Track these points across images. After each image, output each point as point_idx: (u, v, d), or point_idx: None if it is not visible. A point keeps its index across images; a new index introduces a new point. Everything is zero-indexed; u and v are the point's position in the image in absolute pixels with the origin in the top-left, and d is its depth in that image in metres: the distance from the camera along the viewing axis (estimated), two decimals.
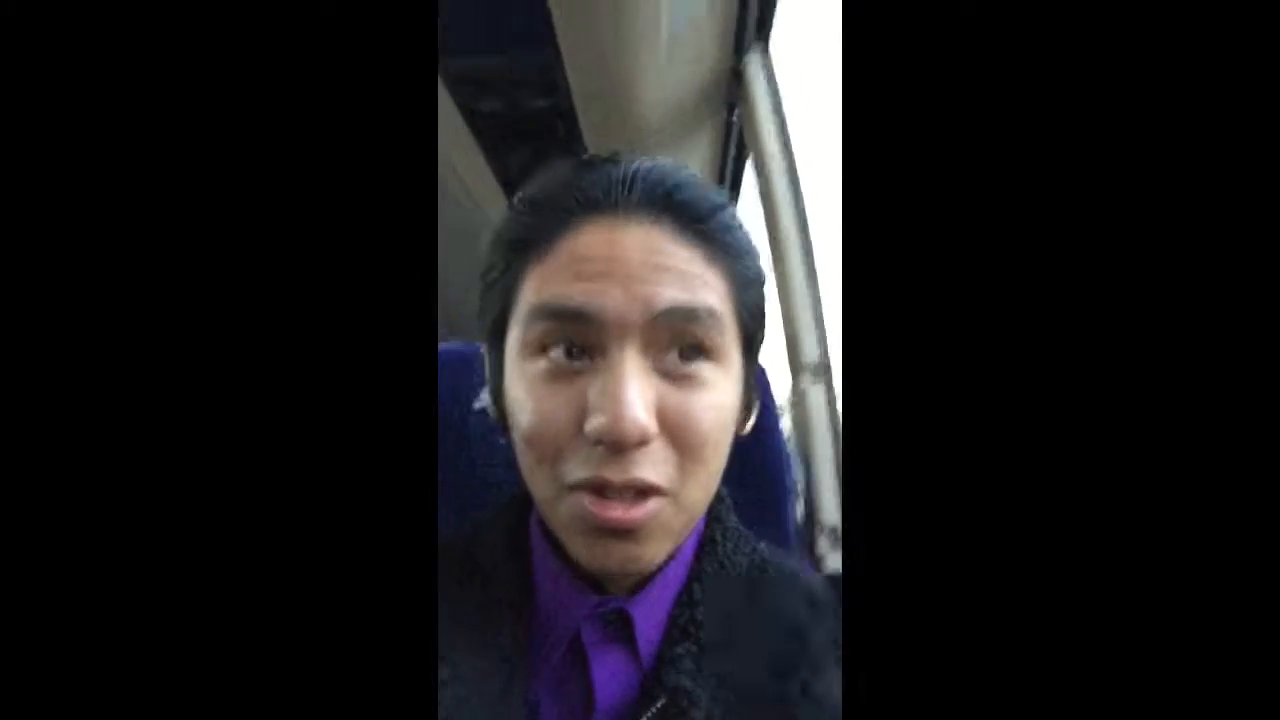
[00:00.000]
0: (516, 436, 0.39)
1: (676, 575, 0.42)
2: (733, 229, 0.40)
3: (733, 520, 0.46)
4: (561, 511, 0.38)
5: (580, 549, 0.38)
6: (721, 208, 0.39)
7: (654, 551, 0.38)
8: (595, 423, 0.35)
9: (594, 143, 1.57)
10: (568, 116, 1.46)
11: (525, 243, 0.39)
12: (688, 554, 0.43)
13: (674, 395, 0.36)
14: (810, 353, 1.27)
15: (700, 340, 0.37)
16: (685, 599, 0.41)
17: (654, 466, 0.36)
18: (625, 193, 0.38)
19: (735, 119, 1.65)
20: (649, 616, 0.41)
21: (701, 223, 0.38)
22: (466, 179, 1.69)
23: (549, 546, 0.42)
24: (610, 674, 0.40)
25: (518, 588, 0.42)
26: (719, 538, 0.44)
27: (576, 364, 0.36)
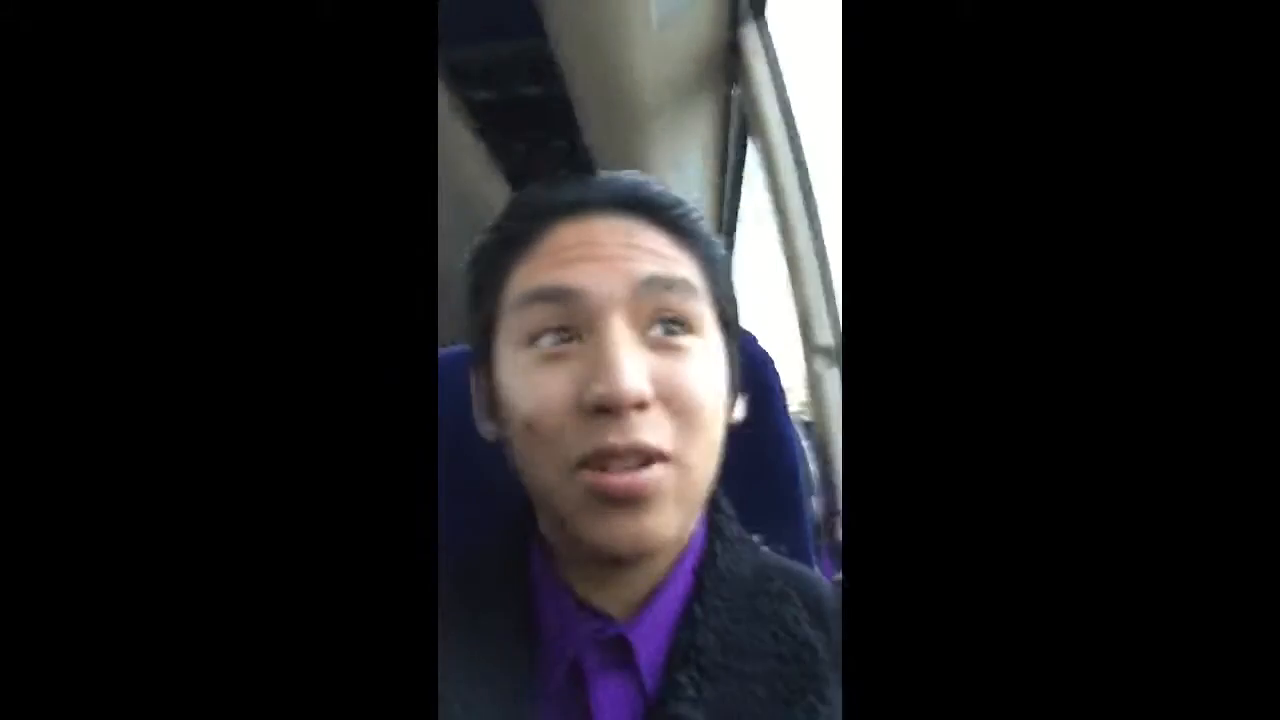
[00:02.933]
0: (516, 428, 0.39)
1: (677, 593, 0.41)
2: (695, 219, 0.42)
3: (733, 530, 0.45)
4: (568, 493, 0.37)
5: (588, 529, 0.37)
6: (682, 202, 0.42)
7: (663, 524, 0.37)
8: (593, 391, 0.35)
9: (591, 127, 1.55)
10: (563, 102, 1.44)
11: (504, 245, 0.41)
12: (687, 570, 0.42)
13: (663, 364, 0.37)
14: (823, 335, 1.25)
15: (682, 310, 0.38)
16: (686, 621, 0.40)
17: (655, 430, 0.36)
18: (594, 195, 0.41)
19: (735, 94, 1.62)
20: (650, 640, 0.40)
21: (666, 211, 0.41)
22: (467, 171, 1.68)
23: (548, 567, 0.42)
24: (612, 700, 0.39)
25: (519, 614, 0.41)
26: (719, 550, 0.43)
27: (567, 346, 0.37)
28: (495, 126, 1.52)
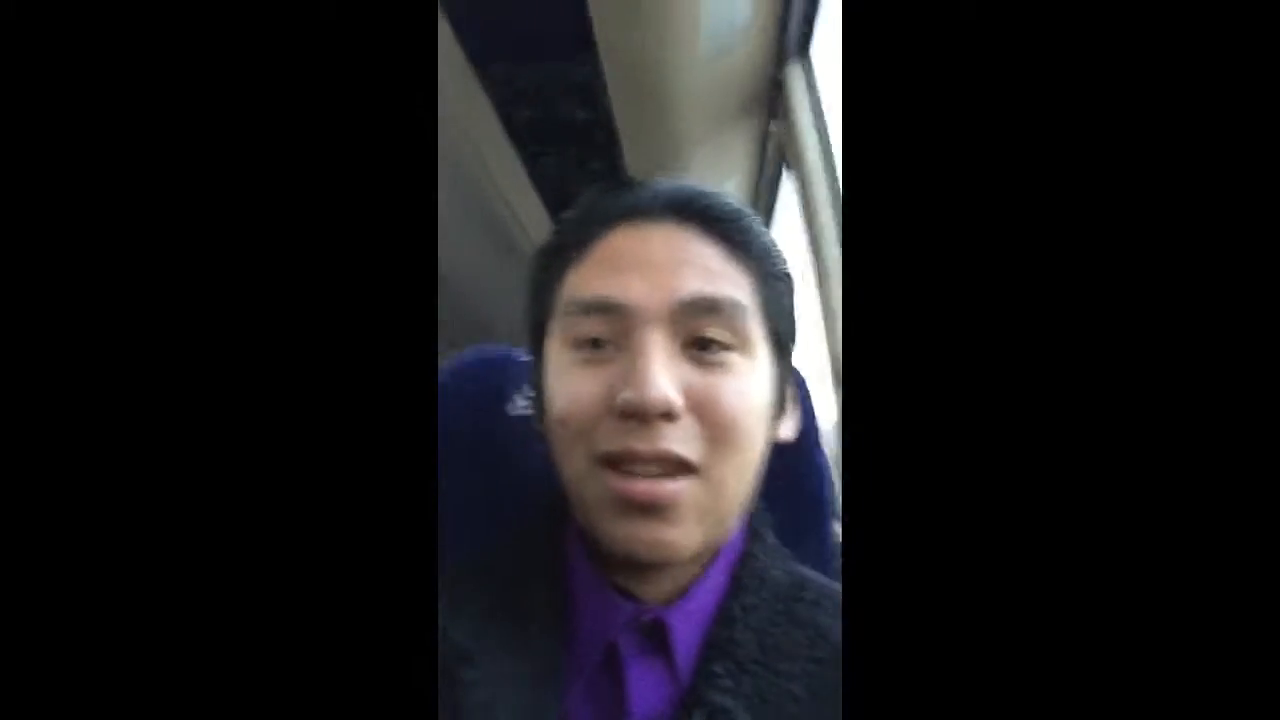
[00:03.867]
0: (552, 424, 0.40)
1: (714, 588, 0.41)
2: (755, 230, 0.41)
3: (772, 538, 0.45)
4: (591, 489, 0.38)
5: (609, 530, 0.38)
6: (743, 213, 0.42)
7: (684, 536, 0.37)
8: (623, 396, 0.36)
9: (632, 153, 1.57)
10: (606, 128, 1.45)
11: (563, 249, 0.42)
12: (725, 567, 0.42)
13: (700, 378, 0.37)
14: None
15: (725, 331, 0.38)
16: (724, 616, 0.40)
17: (682, 441, 0.36)
18: (651, 202, 0.41)
19: (774, 130, 1.63)
20: (686, 628, 0.40)
21: (723, 224, 0.40)
22: (504, 188, 1.69)
23: (586, 554, 0.42)
24: (646, 685, 0.39)
25: (552, 597, 0.41)
26: (759, 553, 0.43)
27: (606, 353, 0.38)
28: (535, 145, 1.54)
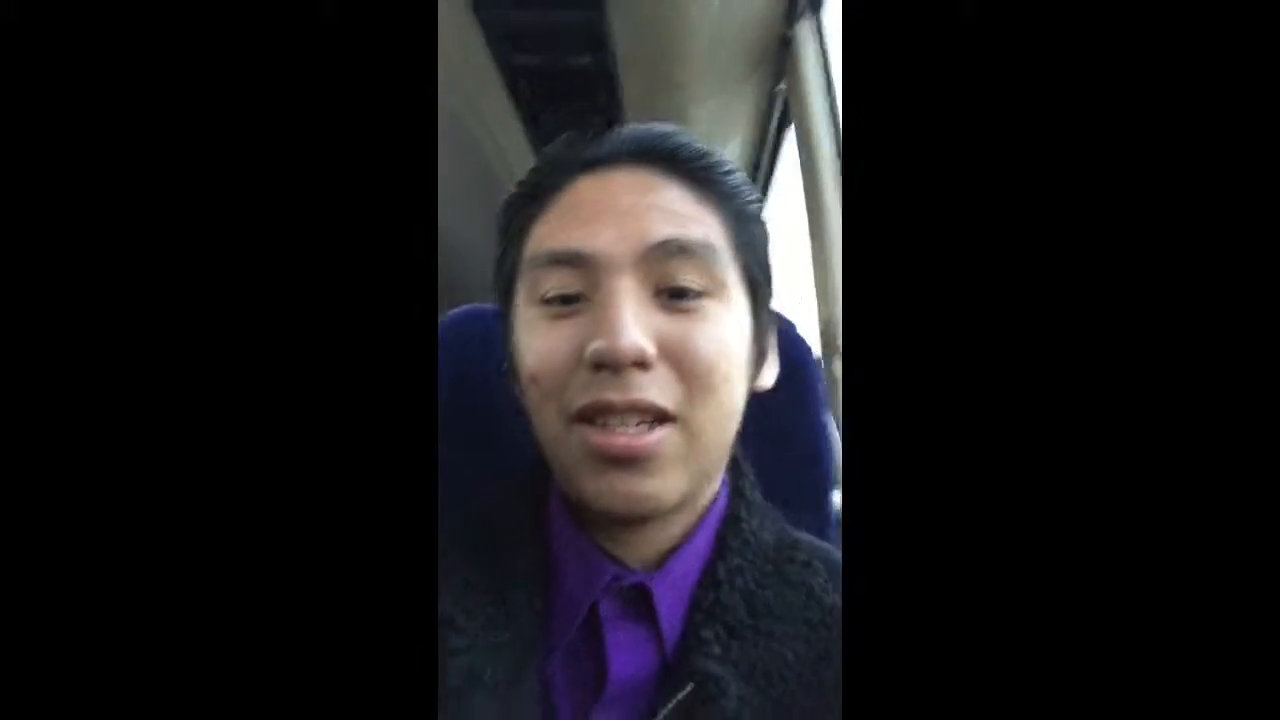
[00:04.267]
0: (524, 381, 0.39)
1: (698, 551, 0.40)
2: (724, 169, 0.40)
3: (757, 496, 0.44)
4: (569, 446, 0.37)
5: (587, 487, 0.37)
6: (709, 152, 0.40)
7: (664, 487, 0.36)
8: (593, 347, 0.35)
9: (633, 105, 1.53)
10: (608, 77, 1.42)
11: (528, 201, 0.41)
12: (709, 530, 0.41)
13: (673, 325, 0.36)
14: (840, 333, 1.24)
15: (697, 275, 0.37)
16: (709, 579, 0.39)
17: (658, 389, 0.35)
18: (615, 147, 0.40)
19: (779, 91, 1.60)
20: (670, 593, 0.39)
21: (690, 164, 0.39)
22: (502, 141, 1.66)
23: (569, 516, 0.41)
24: (627, 651, 0.38)
25: (534, 559, 0.41)
26: (743, 514, 0.42)
27: (575, 305, 0.37)
28: (536, 94, 1.50)
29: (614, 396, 0.35)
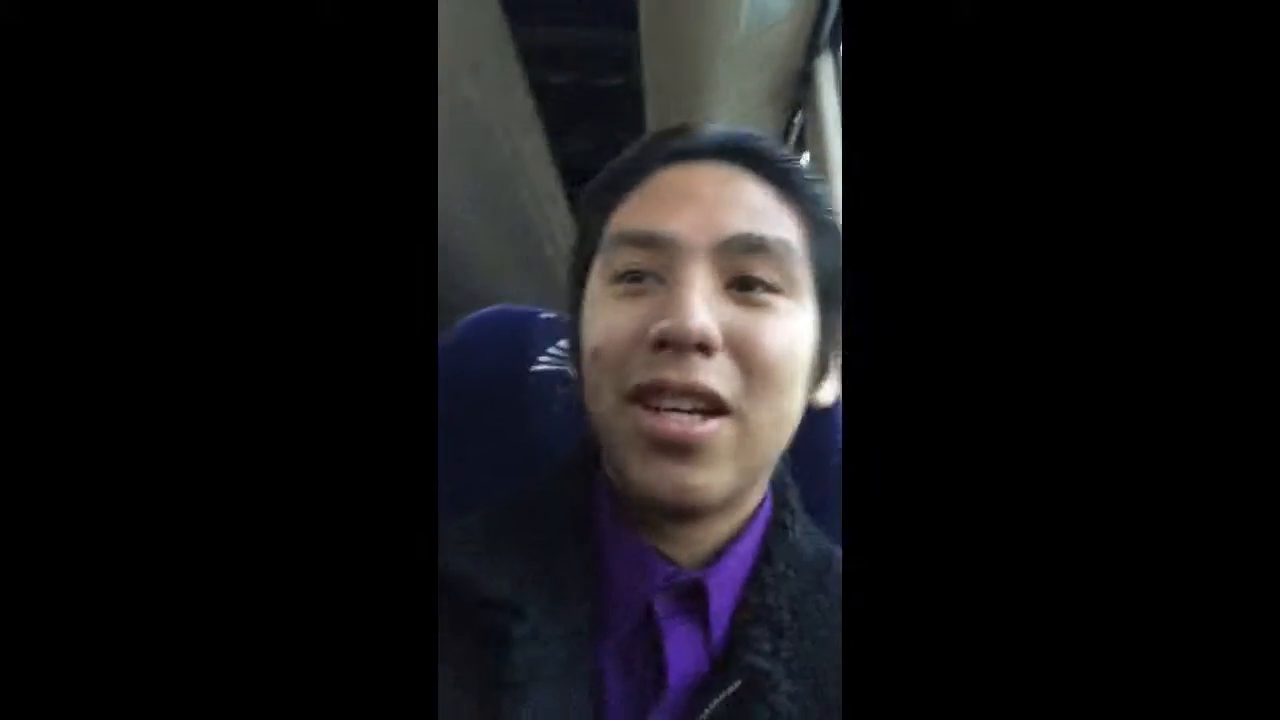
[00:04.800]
0: (585, 359, 0.39)
1: (746, 553, 0.41)
2: (806, 177, 0.41)
3: (800, 508, 0.44)
4: (621, 427, 0.37)
5: (635, 471, 0.37)
6: (794, 158, 0.41)
7: (713, 479, 0.36)
8: (660, 325, 0.35)
9: (658, 124, 1.56)
10: (636, 97, 1.45)
11: (613, 186, 0.41)
12: (756, 534, 0.41)
13: (741, 316, 0.36)
14: None
15: (771, 271, 0.37)
16: (756, 582, 0.40)
17: (717, 376, 0.35)
18: (704, 142, 0.40)
19: (798, 121, 1.63)
20: (721, 592, 0.39)
21: (774, 166, 0.40)
22: (525, 154, 1.68)
23: (615, 511, 0.41)
24: (682, 648, 0.39)
25: (583, 554, 0.40)
26: (788, 522, 0.42)
27: (646, 285, 0.37)
28: (563, 111, 1.53)
29: (672, 376, 0.35)
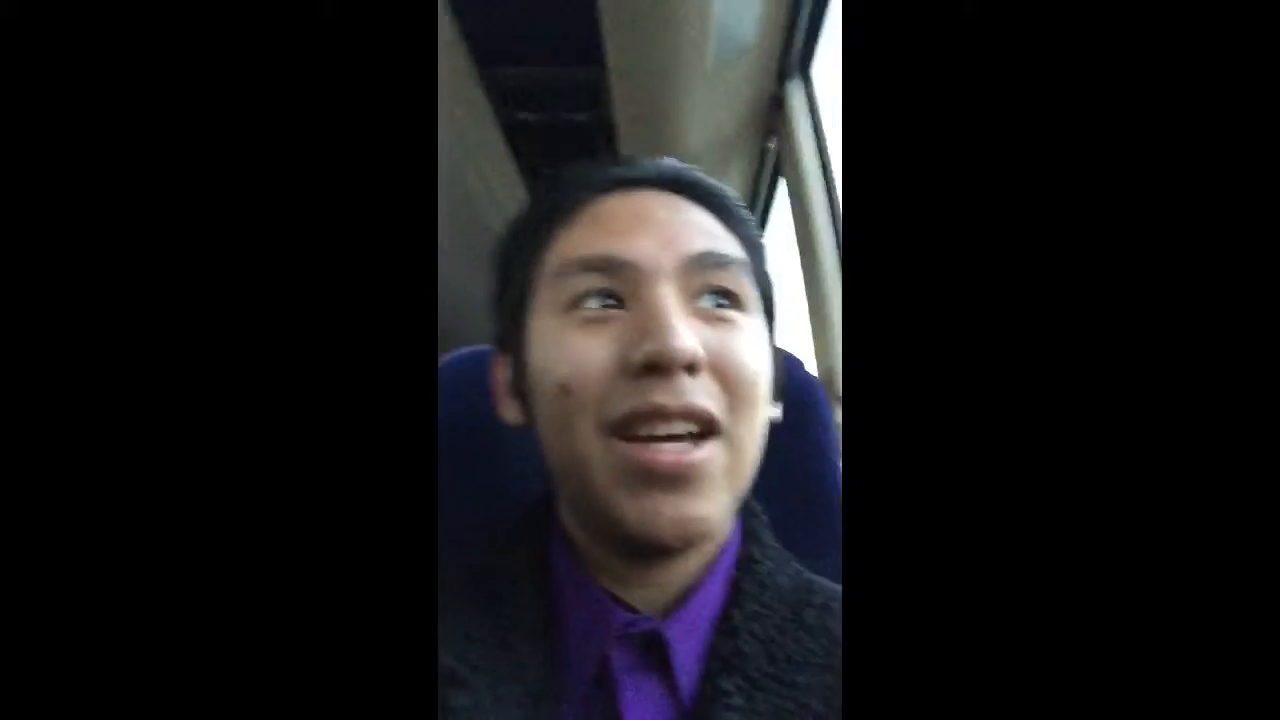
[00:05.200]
0: (548, 397, 0.36)
1: (713, 596, 0.39)
2: (737, 204, 0.42)
3: (770, 538, 0.42)
4: (605, 464, 0.34)
5: (628, 510, 0.34)
6: (725, 188, 0.42)
7: (711, 508, 0.35)
8: (642, 349, 0.33)
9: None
10: (607, 133, 1.45)
11: (548, 214, 0.40)
12: (723, 572, 0.39)
13: (713, 335, 0.36)
14: (835, 382, 1.25)
15: (731, 287, 0.37)
16: (725, 626, 0.37)
17: (706, 396, 0.34)
18: (642, 172, 0.40)
19: (771, 146, 1.64)
20: (686, 642, 0.37)
21: (711, 197, 0.40)
22: (499, 194, 1.68)
23: (573, 559, 0.39)
24: (643, 703, 0.36)
25: (539, 606, 0.38)
26: (757, 555, 0.40)
27: (613, 310, 0.36)
28: (534, 148, 1.53)
29: (666, 400, 0.33)
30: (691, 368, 0.34)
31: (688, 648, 0.37)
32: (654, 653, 0.37)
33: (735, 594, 0.38)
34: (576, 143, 1.51)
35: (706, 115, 1.46)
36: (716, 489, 0.35)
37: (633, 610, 0.37)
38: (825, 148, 1.42)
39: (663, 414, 0.33)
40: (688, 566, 0.38)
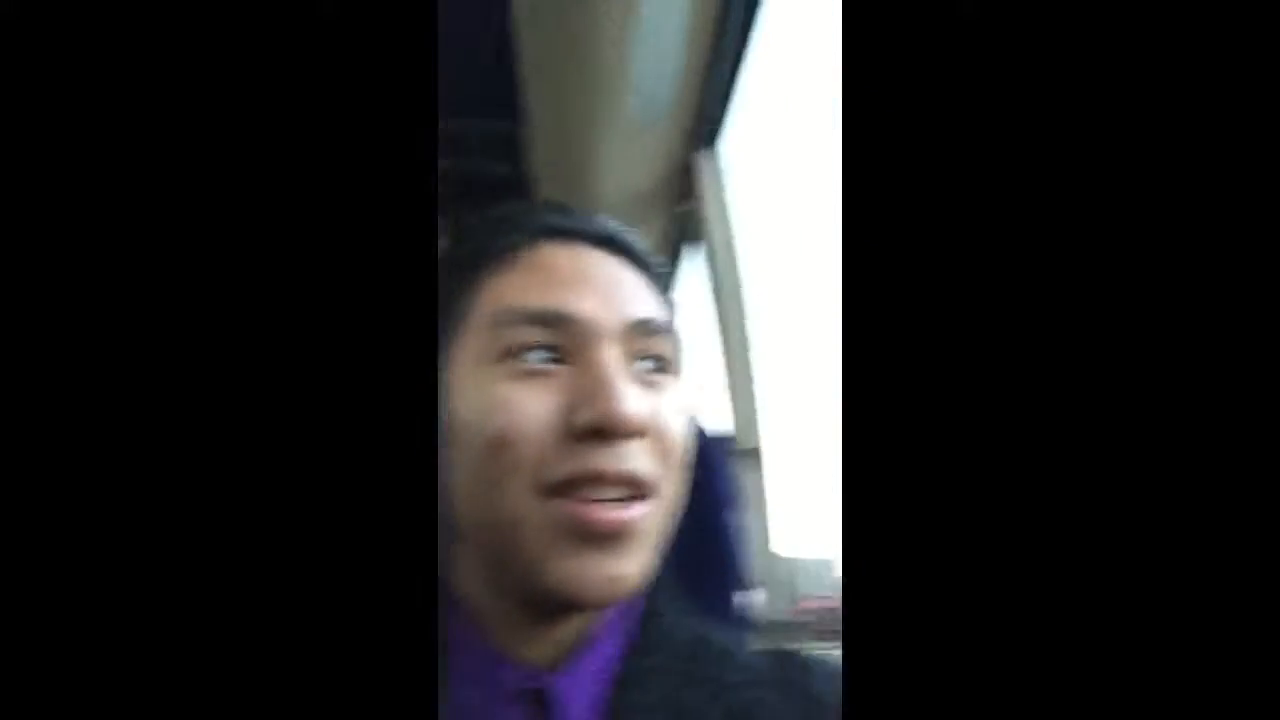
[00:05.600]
0: (472, 451, 0.35)
1: (608, 649, 0.38)
2: (662, 268, 0.42)
3: (671, 590, 0.42)
4: (536, 519, 0.33)
5: (557, 568, 0.33)
6: (652, 255, 0.42)
7: (639, 566, 0.34)
8: (587, 413, 0.33)
9: None
10: (526, 186, 1.47)
11: (479, 257, 0.38)
12: (624, 622, 0.39)
13: (649, 398, 0.36)
14: (746, 440, 1.28)
15: (663, 353, 0.38)
16: (626, 678, 0.37)
17: (644, 459, 0.34)
18: (577, 225, 0.39)
19: (679, 211, 1.70)
20: (578, 698, 0.36)
21: (639, 259, 0.40)
22: None
23: (465, 623, 0.37)
24: None
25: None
26: (662, 608, 0.40)
27: (554, 366, 0.35)
28: (453, 197, 1.52)
29: (607, 466, 0.33)
30: (638, 432, 0.34)
31: (583, 704, 0.36)
32: (545, 711, 0.35)
33: (637, 644, 0.38)
34: (495, 194, 1.52)
35: (624, 172, 1.50)
36: (645, 548, 0.35)
37: (519, 663, 0.36)
38: (732, 214, 1.49)
39: (603, 479, 0.33)
40: (584, 619, 0.37)
